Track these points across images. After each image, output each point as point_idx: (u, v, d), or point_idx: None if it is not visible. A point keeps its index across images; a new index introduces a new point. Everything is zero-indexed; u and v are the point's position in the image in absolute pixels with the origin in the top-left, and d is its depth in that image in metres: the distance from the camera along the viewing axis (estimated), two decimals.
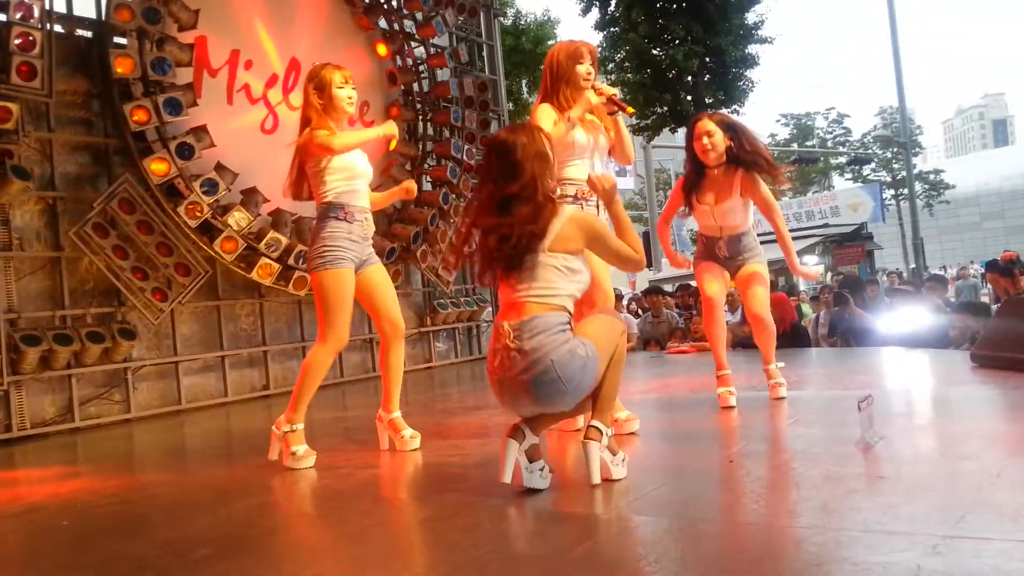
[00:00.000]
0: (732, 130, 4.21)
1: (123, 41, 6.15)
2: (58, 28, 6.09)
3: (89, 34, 6.32)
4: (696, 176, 4.28)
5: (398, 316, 3.81)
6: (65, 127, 6.09)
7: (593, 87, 3.67)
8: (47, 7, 5.78)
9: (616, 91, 3.77)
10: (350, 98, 3.72)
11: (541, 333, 2.62)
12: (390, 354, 3.82)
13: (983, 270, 23.07)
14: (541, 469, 2.72)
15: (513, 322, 2.66)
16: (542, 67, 3.85)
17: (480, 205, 2.78)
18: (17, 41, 5.49)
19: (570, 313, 2.73)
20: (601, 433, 2.71)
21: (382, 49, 8.34)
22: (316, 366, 3.60)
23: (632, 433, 3.67)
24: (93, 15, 6.30)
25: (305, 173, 3.72)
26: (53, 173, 5.98)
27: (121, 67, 5.98)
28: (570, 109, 3.59)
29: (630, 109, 3.78)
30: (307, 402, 3.63)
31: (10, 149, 5.51)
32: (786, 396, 4.32)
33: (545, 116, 3.59)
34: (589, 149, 3.67)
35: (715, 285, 4.25)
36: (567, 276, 2.71)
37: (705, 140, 4.18)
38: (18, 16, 5.51)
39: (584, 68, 3.66)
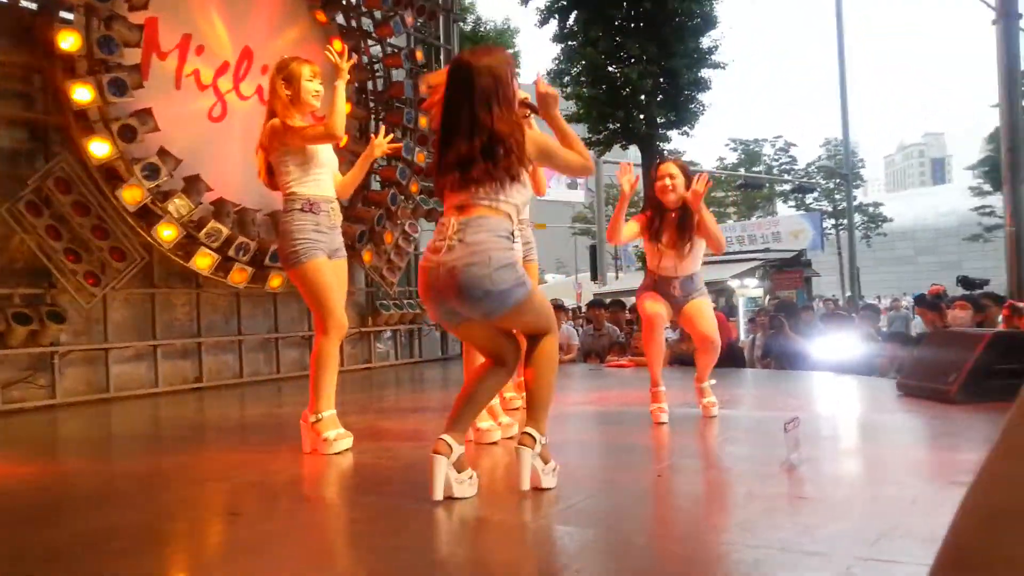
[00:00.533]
0: (689, 177, 4.37)
1: (70, 16, 5.98)
2: None
3: (34, 6, 6.13)
4: (657, 219, 4.38)
5: (343, 315, 3.79)
6: (2, 100, 5.89)
7: None
8: None
9: (525, 95, 3.81)
10: (316, 92, 3.77)
11: (487, 232, 2.63)
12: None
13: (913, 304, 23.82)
14: (470, 477, 2.71)
15: (461, 218, 2.66)
16: None
17: (456, 122, 2.74)
18: None
19: (512, 222, 2.74)
20: (535, 440, 2.70)
21: (337, 45, 8.26)
22: (324, 357, 3.66)
23: (493, 443, 3.71)
24: None
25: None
26: None
27: (66, 43, 5.81)
28: None
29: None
30: (328, 391, 3.67)
31: None
32: (717, 414, 4.39)
33: None
34: None
35: (658, 306, 4.33)
36: (516, 186, 2.72)
37: (667, 181, 4.32)
38: None
39: None
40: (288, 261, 3.66)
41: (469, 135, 2.70)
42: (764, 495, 2.69)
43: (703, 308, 4.35)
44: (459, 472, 2.67)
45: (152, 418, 5.66)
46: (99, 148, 5.87)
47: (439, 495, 2.61)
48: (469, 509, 2.61)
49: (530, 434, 2.70)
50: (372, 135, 4.25)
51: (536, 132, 2.96)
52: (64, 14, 5.98)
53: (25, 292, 5.87)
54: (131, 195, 5.98)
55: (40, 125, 6.06)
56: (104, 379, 6.30)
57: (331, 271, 3.70)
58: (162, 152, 6.28)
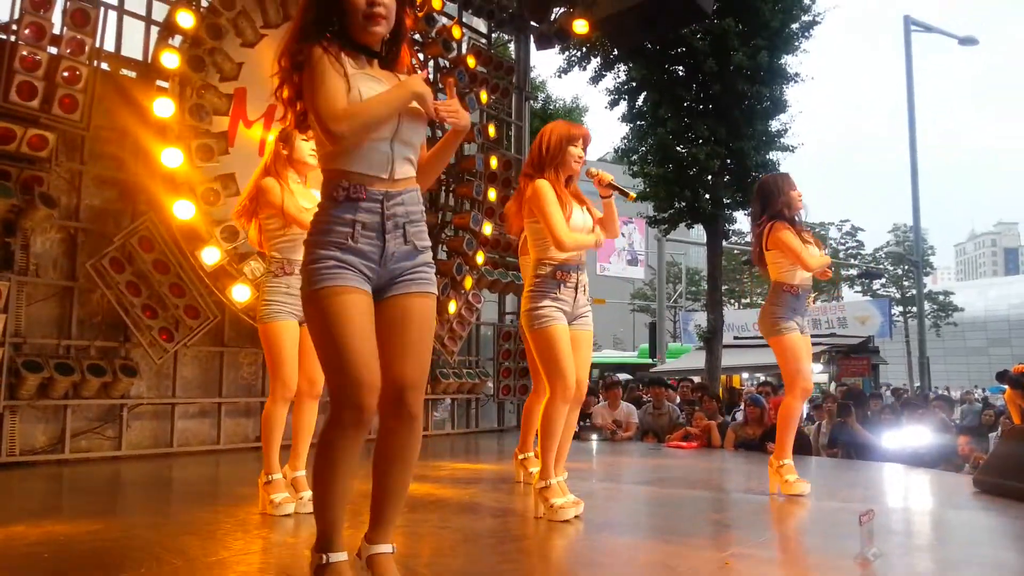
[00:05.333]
0: None
1: (165, 84, 6.31)
2: (104, 65, 6.26)
3: (133, 74, 6.49)
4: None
5: (317, 372, 3.73)
6: (97, 161, 6.20)
7: (589, 173, 3.78)
8: (97, 44, 5.97)
9: (612, 177, 3.82)
10: (312, 151, 3.89)
11: None
12: (302, 411, 3.85)
13: (986, 395, 22.84)
14: None
15: None
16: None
17: None
18: (64, 74, 5.65)
19: None
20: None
21: None
22: (268, 419, 3.83)
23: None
24: (140, 57, 6.49)
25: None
26: (79, 204, 6.07)
27: (160, 110, 6.13)
28: (556, 186, 3.70)
29: (632, 195, 3.84)
30: (273, 455, 3.82)
31: (40, 176, 5.61)
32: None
33: (550, 193, 3.65)
34: (586, 229, 3.76)
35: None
36: None
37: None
38: (68, 51, 5.69)
39: (576, 151, 3.75)
40: (256, 317, 3.86)
41: None
42: None
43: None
44: None
45: (212, 475, 5.73)
46: (183, 210, 6.11)
47: None
48: None
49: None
50: None
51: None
52: (160, 82, 6.32)
53: (101, 345, 6.07)
54: (210, 256, 6.19)
55: (129, 186, 6.33)
56: (169, 434, 6.42)
57: (289, 336, 3.76)
58: None
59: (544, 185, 3.68)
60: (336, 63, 2.21)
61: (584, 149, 3.81)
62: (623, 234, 35.18)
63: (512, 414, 9.57)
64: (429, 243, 2.35)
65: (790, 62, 13.89)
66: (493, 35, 10.21)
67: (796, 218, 4.63)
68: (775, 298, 4.59)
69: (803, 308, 4.61)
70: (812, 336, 4.83)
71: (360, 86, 2.20)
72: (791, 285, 4.55)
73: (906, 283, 36.58)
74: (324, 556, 2.14)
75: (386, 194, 2.22)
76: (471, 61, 8.89)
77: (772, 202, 4.61)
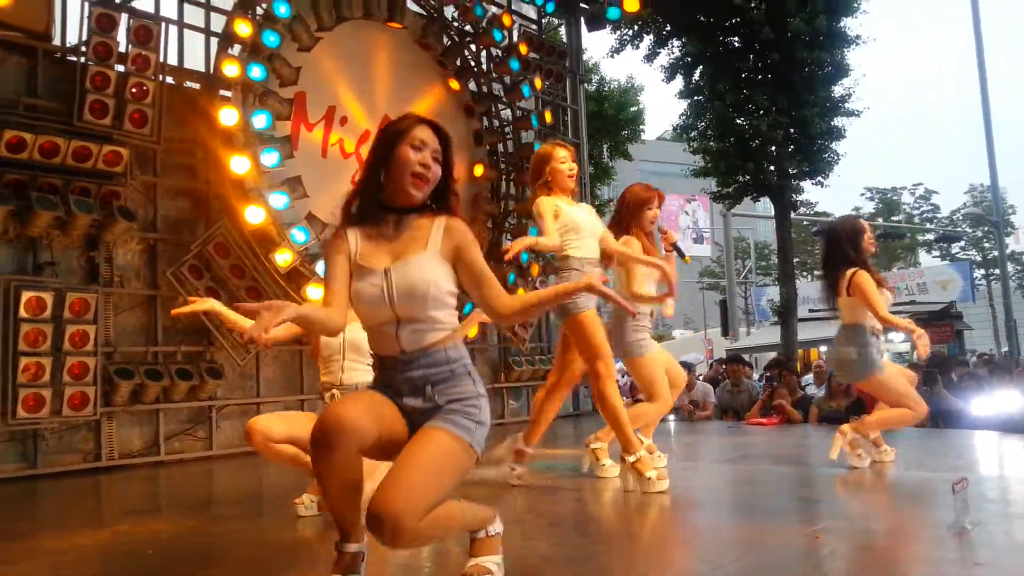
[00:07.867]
0: None
1: (228, 93, 6.47)
2: (169, 79, 6.45)
3: (197, 86, 6.68)
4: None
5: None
6: (170, 172, 6.40)
7: (660, 229, 4.45)
8: (161, 59, 6.15)
9: (677, 238, 4.46)
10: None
11: None
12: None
13: None
14: None
15: None
16: (621, 196, 4.61)
17: None
18: (132, 90, 5.84)
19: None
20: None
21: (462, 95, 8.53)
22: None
23: None
24: (202, 68, 6.68)
25: None
26: (156, 215, 6.29)
27: (225, 118, 6.29)
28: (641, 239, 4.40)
29: (687, 258, 4.49)
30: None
31: (118, 191, 5.83)
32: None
33: (636, 247, 4.30)
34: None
35: None
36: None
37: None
38: (135, 68, 5.88)
39: (652, 213, 4.42)
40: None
41: None
42: (933, 560, 2.53)
43: None
44: None
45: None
46: (254, 215, 6.27)
47: None
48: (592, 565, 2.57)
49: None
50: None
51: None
52: (223, 92, 6.48)
53: (187, 350, 6.29)
54: (282, 258, 6.34)
55: (202, 194, 6.54)
56: None
57: None
58: (310, 217, 6.64)
59: (632, 240, 4.35)
60: (349, 247, 2.35)
61: (659, 207, 4.47)
62: (686, 212, 34.72)
63: (587, 399, 9.56)
64: (466, 394, 2.26)
65: (850, 24, 13.49)
66: (543, 20, 10.17)
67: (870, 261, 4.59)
68: (860, 339, 4.43)
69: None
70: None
71: (358, 282, 2.30)
72: (875, 328, 4.45)
73: (987, 245, 35.23)
74: (338, 546, 2.24)
75: (402, 361, 2.27)
76: (523, 48, 8.88)
77: (845, 250, 4.51)
